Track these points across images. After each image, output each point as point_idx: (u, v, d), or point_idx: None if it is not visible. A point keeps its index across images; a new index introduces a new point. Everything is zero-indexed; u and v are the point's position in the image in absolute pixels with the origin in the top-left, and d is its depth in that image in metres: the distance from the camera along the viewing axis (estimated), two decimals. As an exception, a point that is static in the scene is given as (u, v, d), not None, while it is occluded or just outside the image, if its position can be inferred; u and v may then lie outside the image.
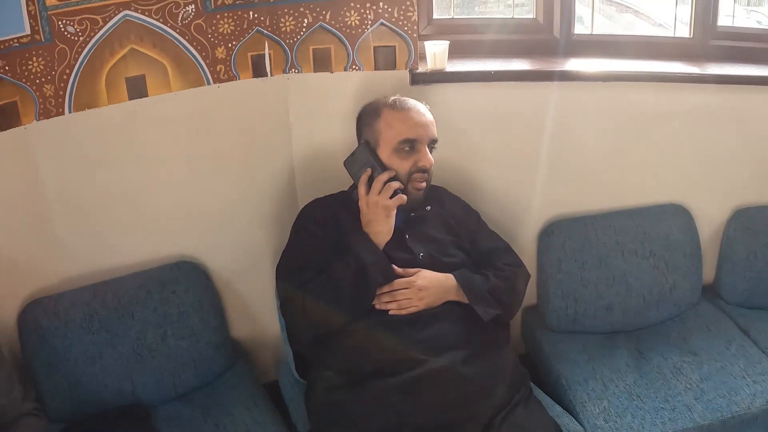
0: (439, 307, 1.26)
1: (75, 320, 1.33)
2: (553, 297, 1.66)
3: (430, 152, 1.28)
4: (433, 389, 1.16)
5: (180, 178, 1.39)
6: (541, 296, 1.69)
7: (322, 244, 1.28)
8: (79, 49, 1.17)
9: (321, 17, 1.35)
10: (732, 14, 1.95)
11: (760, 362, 1.54)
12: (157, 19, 1.21)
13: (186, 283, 1.43)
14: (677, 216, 1.77)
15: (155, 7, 1.19)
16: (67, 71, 1.18)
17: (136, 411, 1.31)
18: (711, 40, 1.83)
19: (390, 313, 1.22)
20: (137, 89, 1.25)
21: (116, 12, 1.17)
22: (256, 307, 1.58)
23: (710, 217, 1.82)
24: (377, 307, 1.23)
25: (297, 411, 1.37)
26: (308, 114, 1.45)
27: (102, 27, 1.17)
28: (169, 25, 1.22)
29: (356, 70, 1.41)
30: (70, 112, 1.21)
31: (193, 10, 1.23)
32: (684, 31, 1.86)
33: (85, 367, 1.33)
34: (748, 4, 2.15)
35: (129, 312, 1.37)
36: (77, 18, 1.14)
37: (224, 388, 1.45)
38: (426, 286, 1.24)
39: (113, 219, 1.36)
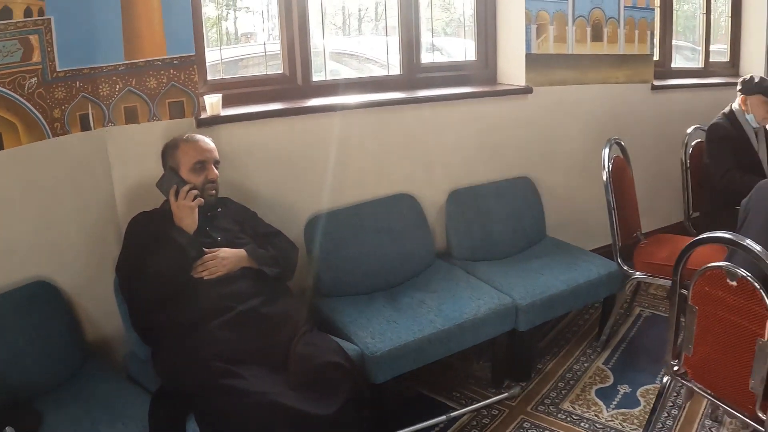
0: (239, 271, 2.29)
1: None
2: (323, 271, 2.77)
3: (216, 169, 2.34)
4: (245, 324, 2.17)
5: (31, 213, 2.24)
6: (316, 271, 2.79)
7: (145, 242, 2.24)
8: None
9: (129, 83, 2.36)
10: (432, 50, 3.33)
11: (482, 288, 2.83)
12: (9, 89, 2.10)
13: (41, 300, 2.21)
14: (407, 202, 3.03)
15: (8, 79, 2.08)
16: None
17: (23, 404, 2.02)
18: (417, 74, 3.17)
19: (205, 278, 2.22)
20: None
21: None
22: (101, 312, 2.44)
23: (433, 200, 3.12)
24: (195, 275, 2.22)
25: (145, 378, 2.24)
26: (124, 155, 2.42)
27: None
28: (18, 93, 2.12)
29: (156, 120, 2.43)
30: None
31: (36, 81, 2.15)
32: (397, 69, 3.18)
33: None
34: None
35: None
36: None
37: (85, 378, 2.24)
38: (225, 256, 2.27)
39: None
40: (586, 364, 3.08)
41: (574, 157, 3.72)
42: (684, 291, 2.06)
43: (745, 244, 1.83)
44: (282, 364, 2.13)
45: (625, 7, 3.93)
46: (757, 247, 1.81)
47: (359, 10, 3.37)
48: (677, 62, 5.15)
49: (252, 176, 2.70)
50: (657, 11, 4.62)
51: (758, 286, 1.81)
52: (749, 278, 1.83)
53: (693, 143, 3.57)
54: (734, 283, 1.88)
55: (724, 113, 3.44)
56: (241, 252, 2.32)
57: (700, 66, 5.34)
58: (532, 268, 3.06)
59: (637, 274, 3.08)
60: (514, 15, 3.42)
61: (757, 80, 3.35)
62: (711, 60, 5.55)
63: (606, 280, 3.06)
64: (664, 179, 4.09)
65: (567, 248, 3.31)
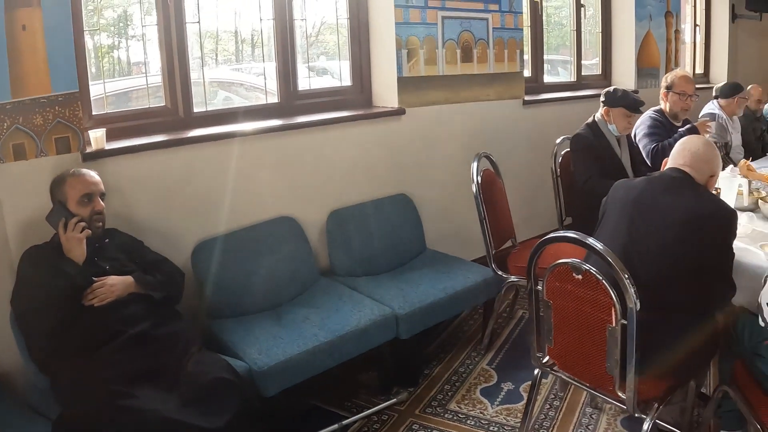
0: (128, 297, 2.60)
1: None
2: (212, 294, 3.10)
3: (102, 201, 2.65)
4: (137, 347, 2.48)
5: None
6: (206, 294, 3.11)
7: (37, 275, 2.52)
8: None
9: (16, 121, 2.64)
10: (308, 77, 3.74)
11: (363, 301, 3.22)
12: None
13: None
14: (289, 224, 3.42)
15: None
16: None
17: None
18: (295, 101, 3.56)
19: (95, 305, 2.53)
20: None
21: None
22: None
23: (315, 220, 3.52)
24: (85, 303, 2.52)
25: (46, 407, 2.46)
26: (14, 191, 2.67)
27: None
28: None
29: (44, 156, 2.71)
30: None
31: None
32: (275, 97, 3.57)
33: None
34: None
35: None
36: None
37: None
38: (114, 283, 2.59)
39: None
40: (471, 366, 3.54)
41: (449, 173, 4.24)
42: (540, 288, 2.43)
43: (587, 242, 2.21)
44: (174, 382, 2.42)
45: (494, 28, 4.51)
46: (599, 245, 2.19)
47: (252, 36, 3.74)
48: (561, 75, 5.81)
49: (138, 207, 3.02)
50: (527, 30, 5.25)
51: (601, 278, 2.16)
52: (592, 271, 2.18)
53: (562, 153, 4.09)
54: (579, 277, 2.23)
55: (587, 124, 3.93)
56: (128, 279, 2.64)
57: (572, 80, 6.00)
58: (412, 280, 3.50)
59: (512, 278, 3.57)
60: (385, 42, 3.91)
61: (620, 94, 3.85)
62: (585, 73, 6.24)
63: (483, 286, 3.54)
64: (539, 189, 4.67)
65: (446, 259, 3.79)
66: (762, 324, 2.32)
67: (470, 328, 3.99)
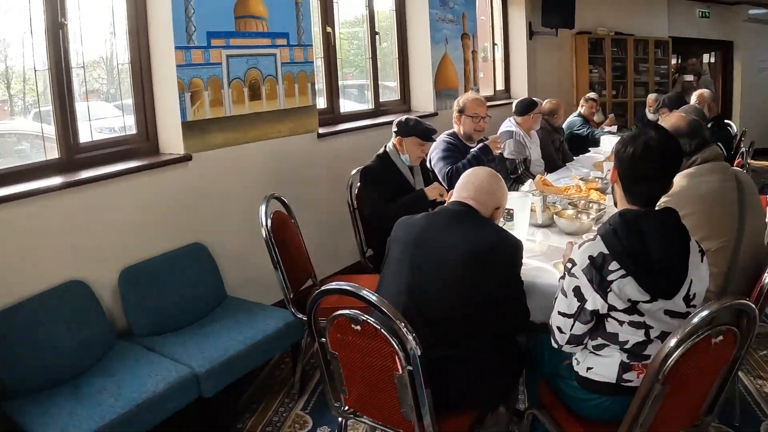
0: None
1: None
2: (1, 374, 3.15)
3: None
4: None
5: None
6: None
7: None
8: None
9: None
10: (90, 132, 3.91)
11: (162, 363, 3.41)
12: None
13: None
14: (78, 289, 3.57)
15: None
16: None
17: None
18: (76, 155, 3.74)
19: None
20: None
21: None
22: None
23: (106, 281, 3.72)
24: None
25: None
26: None
27: None
28: None
29: None
30: None
31: None
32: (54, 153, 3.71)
33: None
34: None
35: None
36: None
37: None
38: None
39: None
40: (285, 414, 3.81)
41: (244, 216, 4.53)
42: (324, 339, 2.55)
43: (361, 294, 2.33)
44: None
45: (282, 63, 4.92)
46: (373, 297, 2.31)
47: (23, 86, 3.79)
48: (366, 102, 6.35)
49: None
50: (321, 62, 5.72)
51: (379, 328, 2.31)
52: (370, 322, 2.31)
53: (358, 185, 4.43)
54: (358, 328, 2.37)
55: (378, 155, 4.33)
56: None
57: (370, 107, 6.56)
58: (213, 333, 3.75)
59: (318, 290, 3.76)
60: (167, 85, 4.18)
61: (412, 123, 4.27)
62: (384, 99, 6.83)
63: (285, 331, 3.87)
64: (340, 222, 5.03)
65: (247, 306, 4.11)
66: (555, 345, 2.54)
67: (281, 374, 4.28)
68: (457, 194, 2.88)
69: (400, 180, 4.33)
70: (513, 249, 2.74)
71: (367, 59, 6.62)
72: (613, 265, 2.31)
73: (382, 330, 2.32)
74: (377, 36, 6.69)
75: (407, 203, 4.14)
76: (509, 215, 3.66)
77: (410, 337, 2.28)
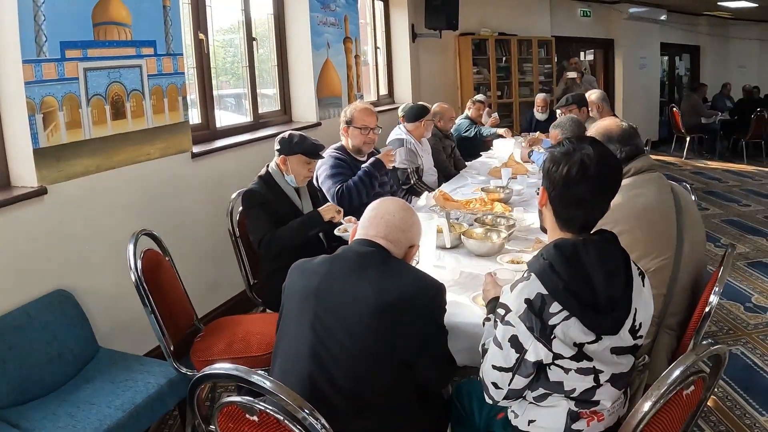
0: None
1: None
2: None
3: None
4: None
5: None
6: None
7: None
8: None
9: None
10: None
11: None
12: None
13: None
14: None
15: None
16: None
17: None
18: None
19: None
20: None
21: None
22: None
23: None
24: None
25: None
26: None
27: None
28: None
29: None
30: None
31: None
32: None
33: None
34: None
35: None
36: None
37: None
38: None
39: None
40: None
41: (113, 254, 4.05)
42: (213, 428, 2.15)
43: (252, 380, 1.96)
44: None
45: (149, 75, 4.47)
46: (267, 382, 1.95)
47: None
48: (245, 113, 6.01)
49: None
50: (194, 71, 5.31)
51: (281, 418, 1.95)
52: (269, 411, 1.97)
53: (239, 209, 4.13)
54: (255, 418, 2.01)
55: (260, 176, 3.97)
56: None
57: (249, 120, 6.19)
58: (85, 399, 3.28)
59: (198, 374, 3.40)
60: (14, 106, 3.63)
61: (296, 139, 3.92)
62: (264, 110, 6.49)
63: (168, 389, 3.43)
64: (222, 250, 4.66)
65: (123, 360, 3.64)
66: (489, 402, 2.28)
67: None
68: (363, 231, 2.49)
69: (286, 204, 4.01)
70: (433, 296, 2.37)
71: (244, 67, 6.23)
72: (555, 307, 2.04)
73: (286, 421, 1.96)
74: (254, 42, 6.32)
75: (300, 227, 3.87)
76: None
77: (318, 426, 1.94)
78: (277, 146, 3.98)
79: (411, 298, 2.30)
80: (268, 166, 4.04)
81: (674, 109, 13.77)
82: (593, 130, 3.20)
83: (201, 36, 5.44)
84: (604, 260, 2.08)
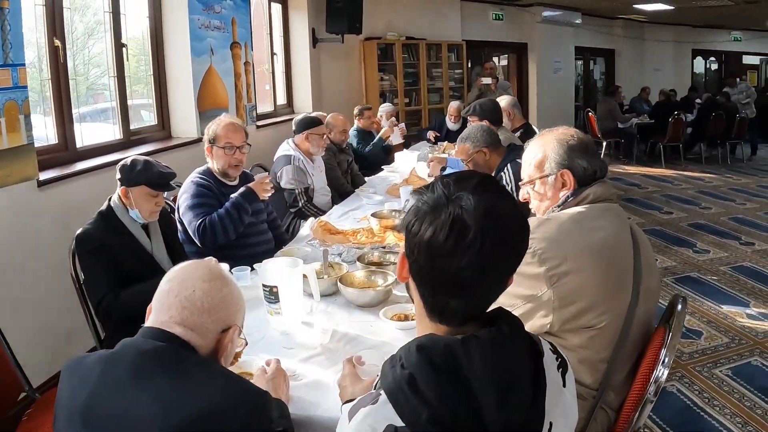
0: None
1: None
2: None
3: None
4: None
5: None
6: None
7: None
8: None
9: None
10: None
11: None
12: None
13: None
14: None
15: None
16: None
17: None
18: None
19: None
20: None
21: None
22: None
23: None
24: None
25: None
26: None
27: None
28: None
29: None
30: None
31: None
32: None
33: None
34: None
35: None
36: None
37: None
38: None
39: None
40: None
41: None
42: None
43: None
44: None
45: (-20, 91, 3.87)
46: None
47: None
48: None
49: None
50: (49, 84, 4.73)
51: None
52: None
53: None
54: None
55: (100, 212, 3.34)
56: None
57: (119, 137, 5.61)
58: None
59: None
60: None
61: (140, 167, 3.28)
62: (137, 125, 5.94)
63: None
64: (75, 298, 4.03)
65: None
66: None
67: None
68: (154, 317, 1.77)
69: (129, 247, 3.33)
70: (247, 417, 1.64)
71: (111, 77, 5.64)
72: None
73: None
74: (124, 48, 5.73)
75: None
76: (272, 295, 2.75)
77: None
78: (118, 175, 3.33)
79: (217, 418, 1.59)
80: (110, 199, 3.39)
81: (590, 113, 13.68)
82: (544, 137, 2.62)
83: (57, 42, 4.84)
84: (497, 370, 1.32)
